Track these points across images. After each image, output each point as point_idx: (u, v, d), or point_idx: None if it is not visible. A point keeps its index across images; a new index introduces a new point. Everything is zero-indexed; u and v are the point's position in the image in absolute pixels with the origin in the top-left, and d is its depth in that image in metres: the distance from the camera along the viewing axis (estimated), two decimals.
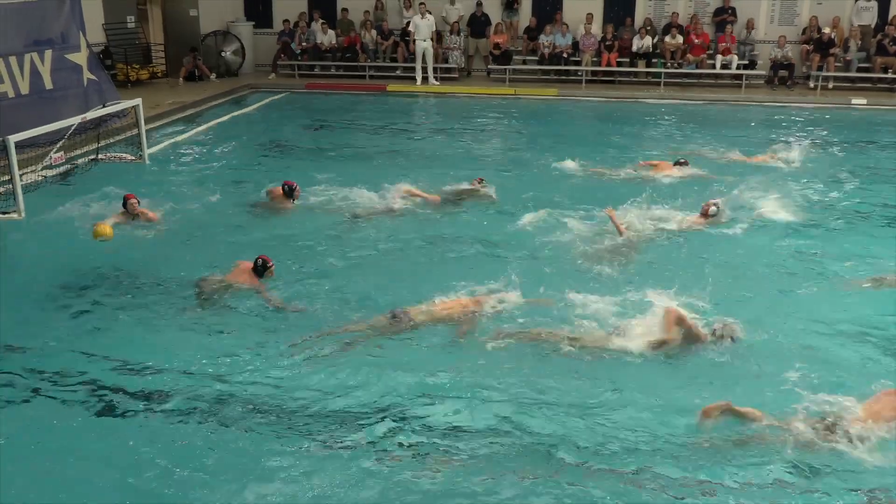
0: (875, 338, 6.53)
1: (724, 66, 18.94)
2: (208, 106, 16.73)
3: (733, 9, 19.41)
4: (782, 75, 18.85)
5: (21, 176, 9.22)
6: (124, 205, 8.87)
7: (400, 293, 7.09)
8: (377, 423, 5.25)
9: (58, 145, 10.54)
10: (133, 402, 5.48)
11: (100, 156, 11.45)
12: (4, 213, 9.07)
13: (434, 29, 19.16)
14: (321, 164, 12.09)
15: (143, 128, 11.82)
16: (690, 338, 6.16)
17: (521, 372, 5.88)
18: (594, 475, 4.77)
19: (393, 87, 19.11)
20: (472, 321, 6.58)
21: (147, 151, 11.86)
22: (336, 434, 5.14)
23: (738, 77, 18.91)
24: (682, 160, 11.49)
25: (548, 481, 4.71)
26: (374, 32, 20.18)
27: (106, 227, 8.36)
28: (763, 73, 18.98)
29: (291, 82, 19.60)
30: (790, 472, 4.78)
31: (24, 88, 11.15)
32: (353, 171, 11.32)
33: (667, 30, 19.36)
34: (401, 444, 5.05)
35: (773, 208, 9.58)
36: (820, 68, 18.38)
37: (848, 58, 18.55)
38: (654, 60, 19.27)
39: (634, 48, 19.31)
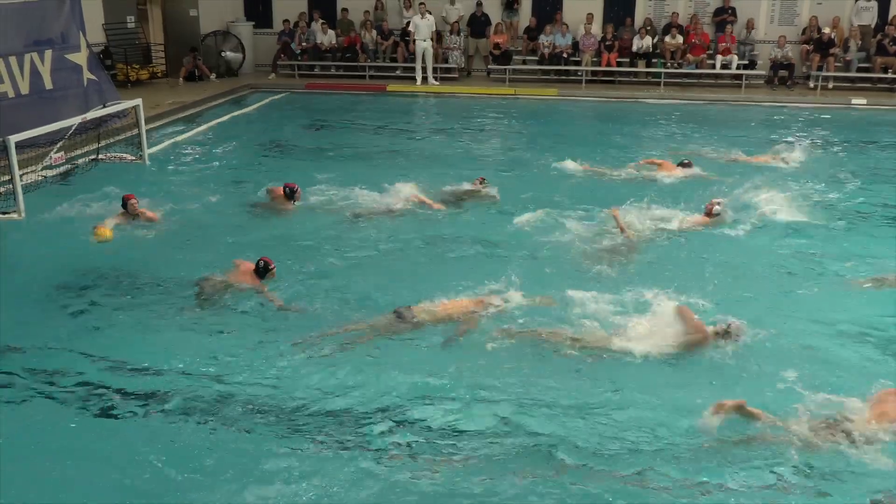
0: (875, 338, 6.52)
1: (724, 66, 18.94)
2: (208, 106, 16.72)
3: (733, 9, 19.40)
4: (782, 75, 18.85)
5: (21, 176, 9.22)
6: (124, 205, 8.86)
7: (400, 293, 7.08)
8: (377, 423, 5.24)
9: (58, 145, 10.54)
10: (133, 403, 5.48)
11: (100, 156, 11.44)
12: (4, 213, 9.07)
13: (434, 29, 19.15)
14: (321, 164, 12.08)
15: (144, 128, 11.82)
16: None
17: (521, 372, 5.87)
18: (594, 475, 4.77)
19: (393, 87, 19.11)
20: (472, 321, 6.58)
21: (147, 151, 11.85)
22: (336, 434, 5.13)
23: (738, 77, 18.90)
24: (686, 161, 11.46)
25: (548, 481, 4.71)
26: (374, 32, 20.17)
27: (106, 230, 8.37)
28: (763, 73, 18.97)
29: (291, 82, 19.60)
30: (793, 474, 4.77)
31: (25, 88, 11.14)
32: (353, 171, 11.32)
33: (667, 30, 19.35)
34: (400, 444, 5.05)
35: (774, 208, 9.56)
36: (820, 68, 18.37)
37: (848, 58, 18.54)
38: (654, 60, 19.26)
39: (634, 48, 19.30)
